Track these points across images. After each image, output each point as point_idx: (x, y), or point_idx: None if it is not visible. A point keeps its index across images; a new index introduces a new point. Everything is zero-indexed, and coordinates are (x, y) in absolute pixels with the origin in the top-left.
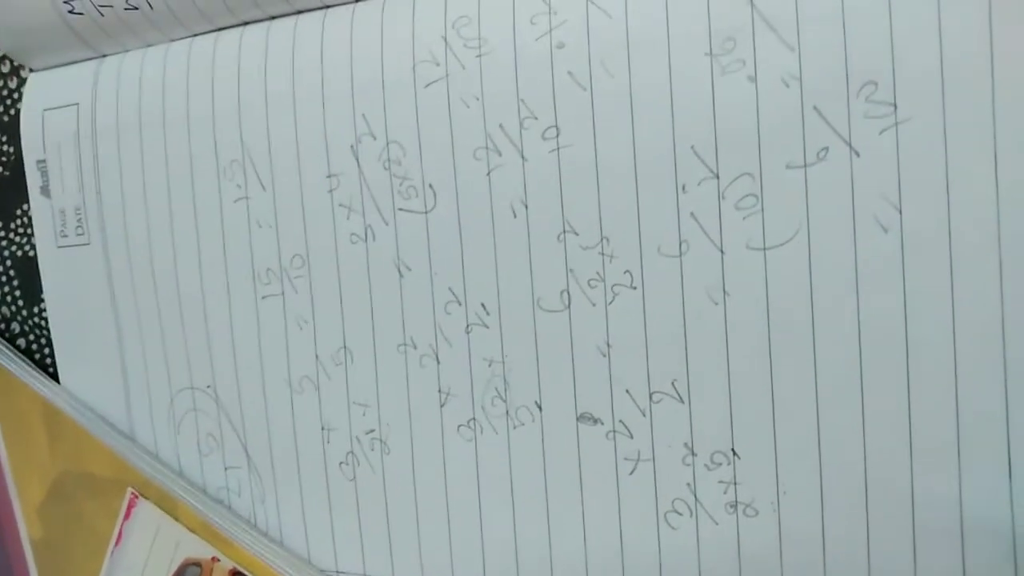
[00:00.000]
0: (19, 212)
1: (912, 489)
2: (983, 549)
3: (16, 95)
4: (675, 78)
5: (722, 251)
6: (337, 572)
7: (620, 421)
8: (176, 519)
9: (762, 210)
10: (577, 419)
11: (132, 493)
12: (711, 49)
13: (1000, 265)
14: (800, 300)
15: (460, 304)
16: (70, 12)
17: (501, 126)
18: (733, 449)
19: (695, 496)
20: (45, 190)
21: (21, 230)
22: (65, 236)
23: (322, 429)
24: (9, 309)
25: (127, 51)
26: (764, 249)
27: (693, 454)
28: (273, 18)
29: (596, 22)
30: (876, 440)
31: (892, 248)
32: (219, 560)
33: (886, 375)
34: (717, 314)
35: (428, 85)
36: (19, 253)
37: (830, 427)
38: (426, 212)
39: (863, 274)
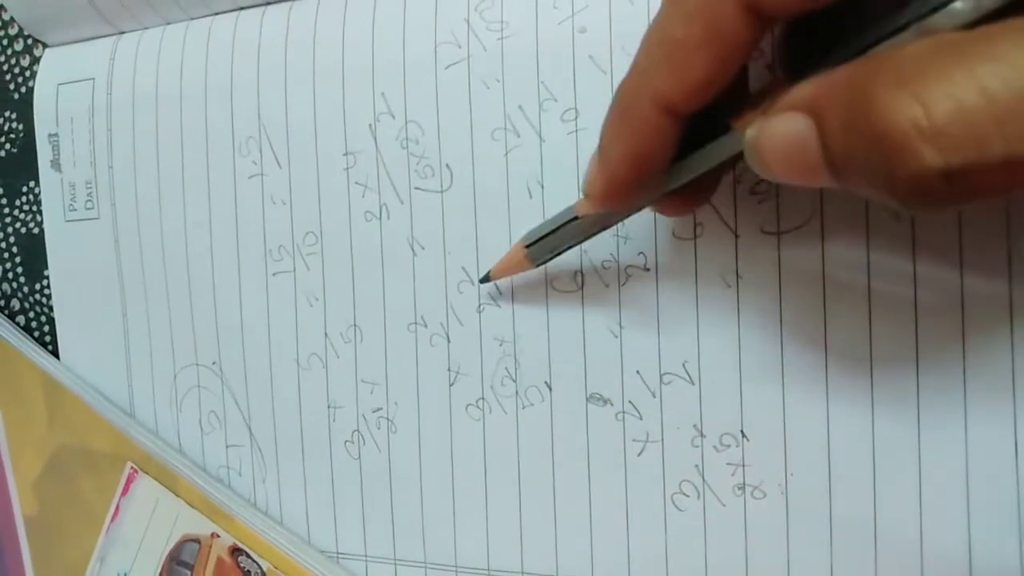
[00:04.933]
0: (25, 189)
1: (920, 469)
2: (989, 525)
3: (28, 73)
4: None
5: (736, 234)
6: (338, 554)
7: (630, 402)
8: (176, 494)
9: (777, 195)
10: (587, 400)
11: (131, 468)
12: None
13: (1009, 251)
14: (812, 284)
15: (473, 284)
16: None
17: (520, 107)
18: (742, 431)
19: (703, 478)
20: (56, 164)
21: (27, 207)
22: (74, 210)
23: (328, 407)
24: (10, 286)
25: (146, 28)
26: (778, 233)
27: (702, 436)
28: None
29: (618, 7)
30: (884, 421)
31: (904, 236)
32: (219, 536)
33: (896, 358)
34: (730, 297)
35: (449, 66)
36: (23, 230)
37: (840, 410)
38: (442, 191)
39: (875, 260)
